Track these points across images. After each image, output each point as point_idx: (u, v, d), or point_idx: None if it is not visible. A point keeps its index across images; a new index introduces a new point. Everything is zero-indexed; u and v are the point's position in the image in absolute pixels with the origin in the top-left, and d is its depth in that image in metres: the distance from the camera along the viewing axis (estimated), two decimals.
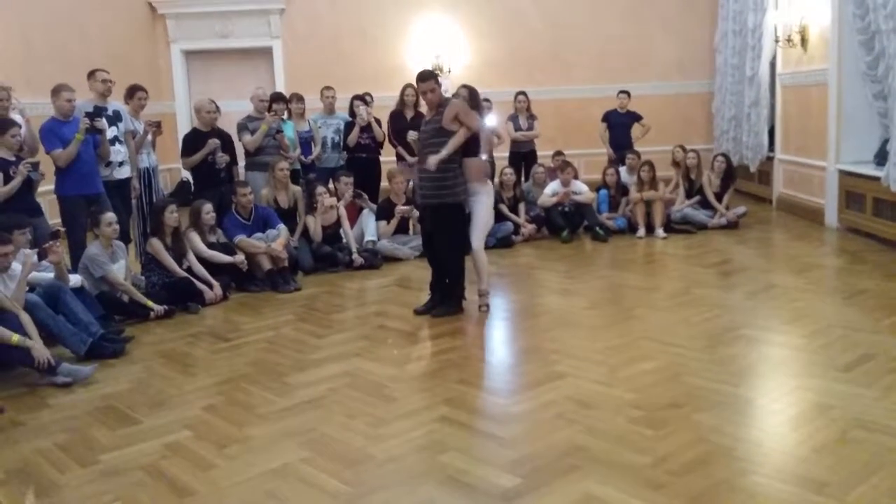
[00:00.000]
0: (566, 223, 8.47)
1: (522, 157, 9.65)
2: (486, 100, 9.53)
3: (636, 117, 10.08)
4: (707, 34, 11.95)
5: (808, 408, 3.85)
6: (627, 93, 10.10)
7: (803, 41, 8.99)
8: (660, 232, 8.39)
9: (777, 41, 9.51)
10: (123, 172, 6.73)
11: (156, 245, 6.19)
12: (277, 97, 8.13)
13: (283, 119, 7.93)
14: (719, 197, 8.85)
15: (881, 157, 7.50)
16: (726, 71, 11.21)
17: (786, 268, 6.89)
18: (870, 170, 7.67)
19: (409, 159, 8.32)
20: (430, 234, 5.76)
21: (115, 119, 6.63)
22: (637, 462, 3.31)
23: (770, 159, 10.14)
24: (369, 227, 7.78)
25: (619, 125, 10.07)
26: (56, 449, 3.71)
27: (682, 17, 12.09)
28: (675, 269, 7.08)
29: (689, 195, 8.93)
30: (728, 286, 6.32)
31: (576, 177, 8.82)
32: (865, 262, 6.87)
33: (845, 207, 8.21)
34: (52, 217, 6.74)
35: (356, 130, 8.30)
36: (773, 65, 9.93)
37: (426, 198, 5.67)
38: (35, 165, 5.79)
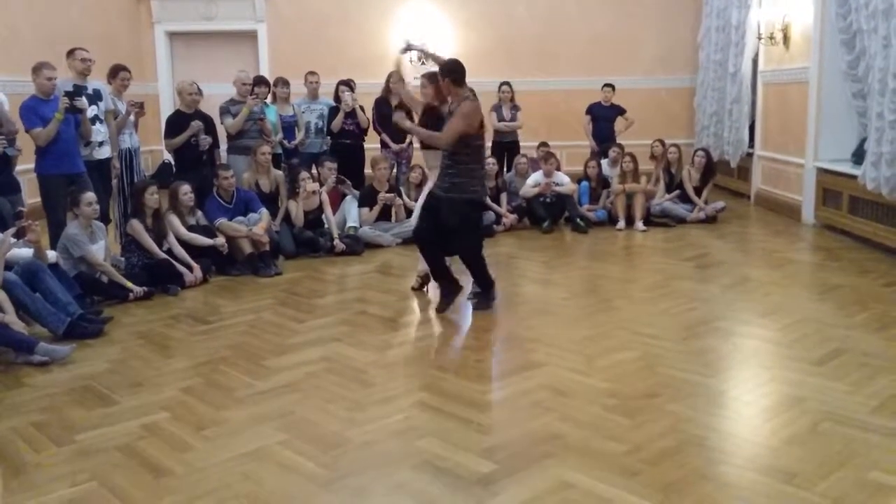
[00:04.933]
0: (547, 214, 8.51)
1: (505, 147, 9.70)
2: (470, 89, 9.56)
3: (620, 111, 10.12)
4: (690, 30, 12.01)
5: (780, 400, 3.92)
6: (612, 86, 10.14)
7: (786, 39, 9.07)
8: (639, 225, 8.45)
9: (760, 38, 9.59)
10: (104, 152, 6.67)
11: (136, 226, 6.15)
12: (260, 81, 8.10)
13: (265, 103, 7.89)
14: (699, 191, 8.93)
15: (858, 156, 7.60)
16: (709, 67, 11.28)
17: (762, 262, 6.97)
18: (847, 168, 7.76)
19: (394, 146, 8.35)
20: (436, 225, 5.44)
21: (95, 98, 6.56)
22: (612, 450, 3.35)
23: (750, 155, 10.23)
24: (352, 213, 7.77)
25: (603, 118, 10.11)
26: (32, 428, 3.69)
27: (667, 12, 12.13)
28: (654, 261, 7.14)
29: (669, 189, 9.00)
30: (705, 279, 6.39)
31: (558, 168, 8.87)
32: (840, 259, 6.96)
33: (822, 204, 8.30)
34: (33, 196, 6.67)
35: (340, 116, 8.29)
36: (755, 62, 10.01)
37: (438, 188, 5.48)
38: (11, 141, 5.74)
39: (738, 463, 3.24)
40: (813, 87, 8.38)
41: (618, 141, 9.81)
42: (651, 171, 9.13)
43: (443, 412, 3.79)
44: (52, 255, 5.45)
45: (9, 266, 4.97)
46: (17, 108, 6.16)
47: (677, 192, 8.95)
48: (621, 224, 8.51)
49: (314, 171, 7.96)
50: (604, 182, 8.97)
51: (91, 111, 6.45)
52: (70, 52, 6.56)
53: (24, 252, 5.24)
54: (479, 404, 3.91)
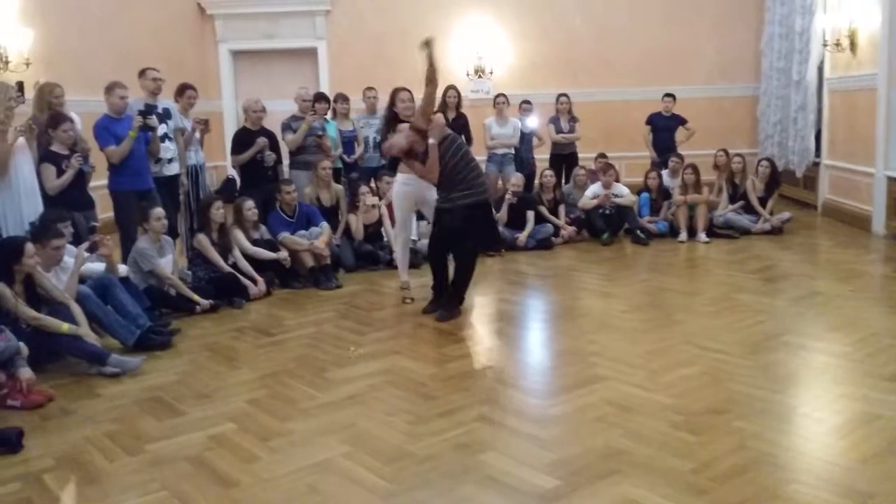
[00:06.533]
0: (606, 226, 8.44)
1: (563, 158, 9.65)
2: (527, 101, 9.57)
3: (681, 121, 9.99)
4: (752, 37, 11.80)
5: (852, 417, 3.80)
6: (673, 96, 10.02)
7: (852, 45, 8.84)
8: (702, 236, 8.32)
9: (825, 45, 9.36)
10: (172, 169, 6.87)
11: (202, 241, 6.30)
12: (320, 97, 8.24)
13: (325, 119, 8.02)
14: (763, 202, 8.75)
15: None
16: (772, 75, 11.06)
17: (831, 275, 6.78)
18: None
19: None
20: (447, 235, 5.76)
21: (165, 117, 6.76)
22: (678, 467, 3.29)
23: (816, 165, 9.98)
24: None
25: (664, 128, 9.99)
26: (104, 437, 3.80)
27: (728, 19, 11.96)
28: (718, 273, 7.01)
29: (732, 200, 8.83)
30: (771, 292, 6.24)
31: (617, 179, 8.79)
32: None
33: (893, 214, 8.05)
34: (105, 211, 6.89)
35: None
36: (820, 69, 9.78)
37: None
38: (86, 158, 5.94)
39: (811, 482, 3.15)
40: (882, 94, 8.14)
41: (678, 151, 9.68)
42: (712, 181, 8.98)
43: (505, 426, 3.78)
44: (122, 268, 5.62)
45: (82, 280, 5.15)
46: (89, 127, 6.38)
47: (741, 202, 8.78)
48: (683, 236, 8.39)
49: (373, 184, 8.04)
50: (664, 193, 8.85)
51: (161, 129, 6.65)
52: (142, 72, 6.77)
53: (97, 266, 5.42)
54: (542, 419, 3.88)
